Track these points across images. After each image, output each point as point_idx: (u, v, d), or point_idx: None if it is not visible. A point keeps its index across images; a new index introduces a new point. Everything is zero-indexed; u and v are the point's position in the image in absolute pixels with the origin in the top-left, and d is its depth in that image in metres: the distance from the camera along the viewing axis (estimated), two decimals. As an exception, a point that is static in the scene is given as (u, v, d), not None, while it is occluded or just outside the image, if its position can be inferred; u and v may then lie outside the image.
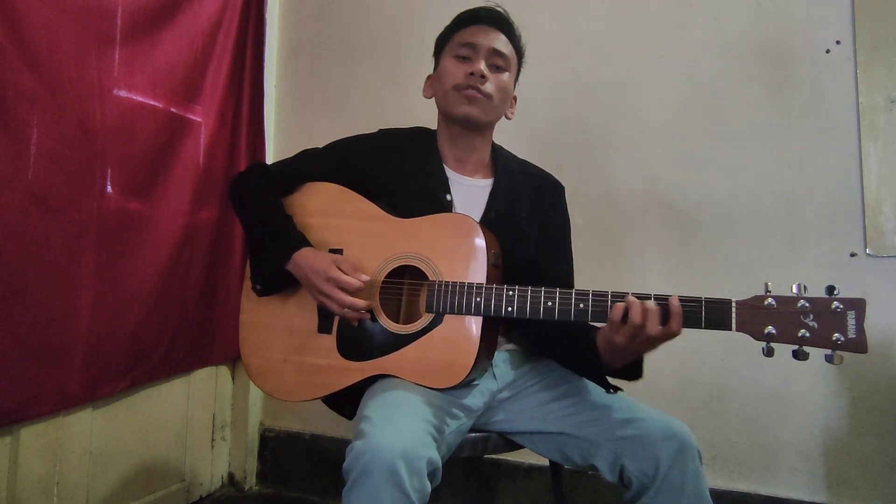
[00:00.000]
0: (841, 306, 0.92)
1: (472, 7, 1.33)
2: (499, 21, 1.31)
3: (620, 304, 1.00)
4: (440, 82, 1.32)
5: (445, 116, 1.33)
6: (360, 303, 1.16)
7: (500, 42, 1.30)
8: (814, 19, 1.72)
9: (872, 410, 1.62)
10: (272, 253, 1.25)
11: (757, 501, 1.69)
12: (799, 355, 0.93)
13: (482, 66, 1.26)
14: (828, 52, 1.70)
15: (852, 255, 1.65)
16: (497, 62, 1.29)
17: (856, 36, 1.67)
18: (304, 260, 1.21)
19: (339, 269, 1.17)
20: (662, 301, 1.00)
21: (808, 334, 0.92)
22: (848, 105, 1.67)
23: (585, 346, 1.11)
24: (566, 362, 1.24)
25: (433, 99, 1.36)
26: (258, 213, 1.33)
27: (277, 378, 1.26)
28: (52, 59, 1.45)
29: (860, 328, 0.91)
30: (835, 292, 0.92)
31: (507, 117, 1.36)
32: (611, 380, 1.14)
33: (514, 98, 1.38)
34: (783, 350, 0.95)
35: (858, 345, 0.91)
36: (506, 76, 1.30)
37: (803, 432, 1.67)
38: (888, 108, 1.64)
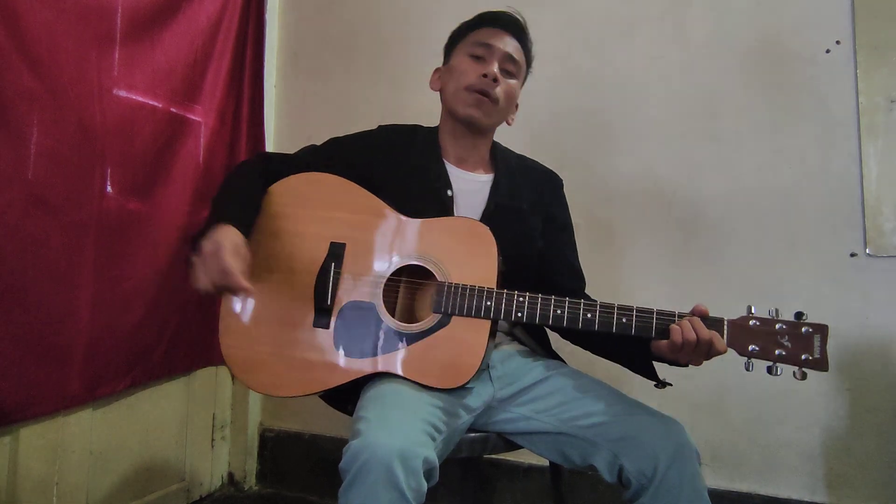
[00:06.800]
0: (809, 330, 1.04)
1: (492, 9, 1.35)
2: (517, 28, 1.34)
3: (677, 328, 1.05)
4: (452, 78, 1.33)
5: (450, 113, 1.35)
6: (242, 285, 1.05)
7: (515, 48, 1.32)
8: (814, 19, 1.72)
9: (872, 410, 1.62)
10: (211, 218, 1.18)
11: (757, 501, 1.68)
12: (772, 371, 1.04)
13: (495, 68, 1.29)
14: (828, 52, 1.70)
15: (852, 255, 1.65)
16: (509, 67, 1.32)
17: (856, 36, 1.67)
18: (216, 232, 1.11)
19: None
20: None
21: (783, 353, 1.04)
22: (848, 105, 1.67)
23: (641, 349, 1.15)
24: (616, 357, 1.26)
25: (438, 93, 1.37)
26: (224, 188, 1.28)
27: (265, 372, 1.21)
28: (52, 59, 1.45)
29: (823, 350, 1.03)
30: (803, 318, 1.04)
31: (507, 123, 1.39)
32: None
33: (517, 105, 1.40)
34: (762, 364, 1.06)
35: (821, 364, 1.03)
36: (514, 82, 1.34)
37: (803, 432, 1.67)
38: (888, 108, 1.64)
